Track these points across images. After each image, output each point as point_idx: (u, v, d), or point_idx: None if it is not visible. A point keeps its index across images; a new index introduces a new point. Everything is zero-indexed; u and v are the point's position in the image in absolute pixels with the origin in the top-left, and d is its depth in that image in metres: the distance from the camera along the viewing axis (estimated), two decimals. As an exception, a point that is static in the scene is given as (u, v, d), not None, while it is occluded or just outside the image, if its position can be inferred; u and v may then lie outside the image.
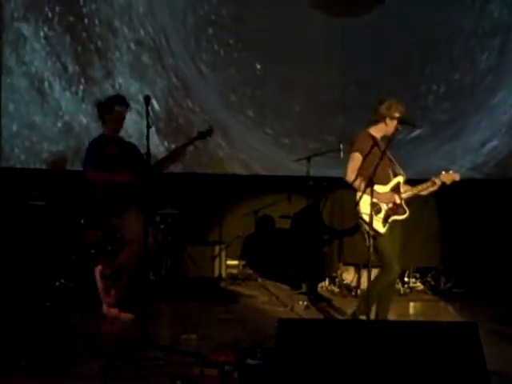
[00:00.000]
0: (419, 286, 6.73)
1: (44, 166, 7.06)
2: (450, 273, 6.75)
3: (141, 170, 5.06)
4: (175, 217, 6.36)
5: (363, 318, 4.78)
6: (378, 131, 4.81)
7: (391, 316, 5.08)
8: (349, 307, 5.94)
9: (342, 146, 5.73)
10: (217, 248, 6.62)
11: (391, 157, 4.82)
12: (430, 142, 7.16)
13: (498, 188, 7.10)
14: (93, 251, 5.79)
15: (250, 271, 7.27)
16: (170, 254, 6.25)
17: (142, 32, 7.24)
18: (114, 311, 5.26)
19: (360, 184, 4.65)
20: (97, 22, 7.20)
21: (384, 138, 4.80)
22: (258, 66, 7.28)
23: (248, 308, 5.87)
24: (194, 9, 7.25)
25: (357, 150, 4.75)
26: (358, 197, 4.63)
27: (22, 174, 6.95)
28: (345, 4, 7.25)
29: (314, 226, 5.39)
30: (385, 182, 4.75)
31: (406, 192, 4.79)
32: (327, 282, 6.66)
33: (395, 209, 4.73)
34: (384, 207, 4.72)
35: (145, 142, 4.44)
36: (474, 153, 7.28)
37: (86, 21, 7.18)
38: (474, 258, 6.79)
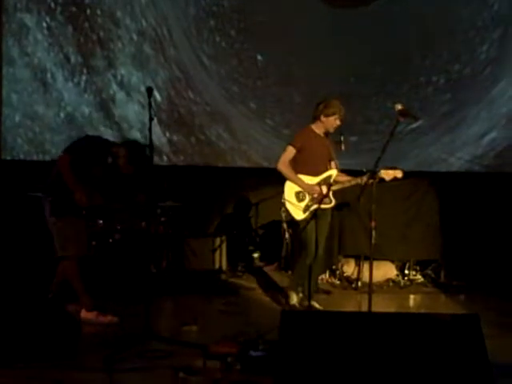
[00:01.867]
0: (419, 278, 6.67)
1: (47, 157, 6.98)
2: (450, 265, 6.68)
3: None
4: (176, 209, 6.27)
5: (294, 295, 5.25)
6: (317, 127, 5.32)
7: (391, 308, 5.07)
8: (349, 299, 5.92)
9: (342, 138, 5.65)
10: (217, 240, 6.53)
11: (330, 152, 5.30)
12: (429, 134, 7.08)
13: (498, 181, 7.00)
14: (94, 243, 5.69)
15: (250, 264, 7.15)
16: (170, 246, 6.17)
17: (144, 23, 7.13)
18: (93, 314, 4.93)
19: (289, 173, 5.23)
20: (99, 12, 7.09)
21: (327, 133, 5.32)
22: (260, 58, 7.19)
23: (249, 300, 5.83)
24: (196, 0, 7.14)
25: (291, 144, 5.29)
26: (286, 185, 5.25)
27: (24, 165, 6.87)
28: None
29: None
30: (315, 174, 5.25)
31: (337, 184, 5.25)
32: (328, 274, 6.57)
33: (319, 199, 5.07)
34: (307, 196, 5.21)
35: (147, 132, 4.39)
36: (473, 144, 7.18)
37: (88, 11, 7.09)
38: (475, 251, 6.70)
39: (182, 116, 7.17)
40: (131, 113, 7.07)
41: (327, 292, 6.08)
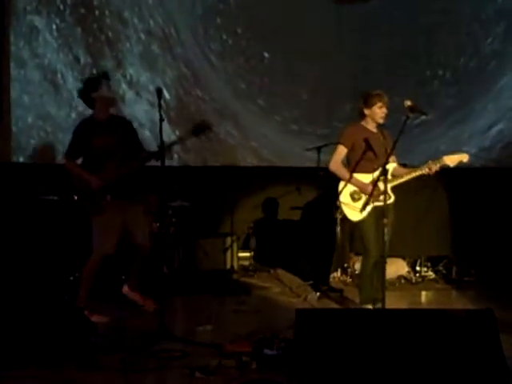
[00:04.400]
0: (431, 274, 6.55)
1: (59, 157, 6.89)
2: (461, 261, 6.56)
3: (128, 160, 4.77)
4: (186, 209, 6.16)
5: (369, 306, 4.85)
6: (366, 123, 4.99)
7: (403, 305, 4.97)
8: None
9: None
10: (228, 240, 6.42)
11: (388, 145, 4.80)
12: (436, 127, 6.97)
13: (509, 176, 6.88)
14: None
15: (261, 263, 7.05)
16: (181, 246, 6.06)
17: (151, 22, 7.04)
18: (137, 295, 5.05)
19: (344, 173, 4.91)
20: (107, 13, 7.00)
21: (377, 126, 4.96)
22: (266, 55, 7.08)
23: (261, 299, 5.72)
24: (202, -1, 7.05)
25: (341, 143, 4.97)
26: (340, 186, 4.91)
27: (35, 169, 6.77)
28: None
29: (325, 217, 5.23)
30: (371, 171, 4.86)
31: (396, 179, 4.84)
32: (339, 272, 6.47)
33: (376, 196, 4.76)
34: (363, 196, 4.85)
35: (156, 131, 4.32)
36: (480, 137, 7.07)
37: (96, 12, 6.99)
38: (486, 247, 6.57)
39: (190, 114, 7.05)
40: (141, 112, 6.96)
41: (339, 290, 5.94)
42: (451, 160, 4.74)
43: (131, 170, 4.80)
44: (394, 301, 5.05)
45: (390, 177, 4.73)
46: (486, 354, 3.39)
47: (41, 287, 5.29)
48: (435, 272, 6.58)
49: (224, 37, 7.07)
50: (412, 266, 6.56)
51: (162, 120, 4.29)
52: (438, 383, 3.30)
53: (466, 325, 3.48)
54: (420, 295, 6.01)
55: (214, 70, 7.12)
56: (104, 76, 4.95)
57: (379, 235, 4.67)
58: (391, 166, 4.82)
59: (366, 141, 4.84)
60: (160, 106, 4.28)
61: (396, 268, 6.40)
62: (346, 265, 6.49)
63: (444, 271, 6.58)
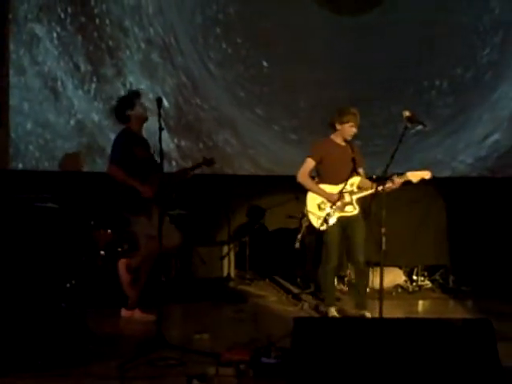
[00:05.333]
0: (428, 284, 6.52)
1: (57, 163, 6.85)
2: (458, 271, 6.51)
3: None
4: (184, 217, 6.11)
5: (333, 309, 5.09)
6: (335, 136, 5.22)
7: (400, 314, 4.96)
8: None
9: None
10: (225, 248, 6.37)
11: (357, 158, 5.13)
12: (433, 136, 6.94)
13: (505, 186, 6.87)
14: (102, 253, 5.55)
15: (258, 272, 7.01)
16: (179, 254, 6.01)
17: (151, 31, 7.01)
18: (137, 313, 5.02)
19: (309, 184, 5.16)
20: (108, 22, 6.96)
21: (346, 140, 5.17)
22: (265, 64, 7.06)
23: (258, 307, 5.67)
24: (202, 8, 7.03)
25: (309, 156, 5.19)
26: (308, 196, 5.18)
27: (33, 176, 6.71)
28: (350, 2, 7.01)
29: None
30: (337, 183, 5.09)
31: (360, 191, 5.07)
32: (336, 281, 6.38)
33: (342, 207, 5.00)
34: (328, 205, 5.06)
35: (154, 139, 4.33)
36: (476, 147, 7.06)
37: (97, 21, 6.95)
38: (483, 256, 6.54)
39: (189, 122, 7.05)
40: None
41: (336, 299, 5.89)
42: (414, 176, 4.93)
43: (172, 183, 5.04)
44: (390, 310, 5.02)
45: (355, 189, 5.02)
46: (484, 364, 3.33)
47: (38, 294, 5.22)
48: (432, 281, 6.54)
49: (223, 46, 7.04)
50: (409, 275, 6.52)
51: (161, 129, 4.27)
52: (435, 393, 3.25)
53: (463, 334, 3.43)
54: (417, 304, 5.96)
55: (213, 78, 7.09)
56: (137, 95, 5.10)
57: (353, 246, 5.07)
58: (356, 180, 5.10)
59: (333, 157, 5.10)
60: (160, 115, 4.24)
61: (393, 277, 6.38)
62: (342, 273, 6.44)
63: (441, 281, 6.54)
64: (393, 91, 6.92)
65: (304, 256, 6.43)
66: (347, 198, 5.05)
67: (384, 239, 4.33)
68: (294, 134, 6.97)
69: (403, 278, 6.47)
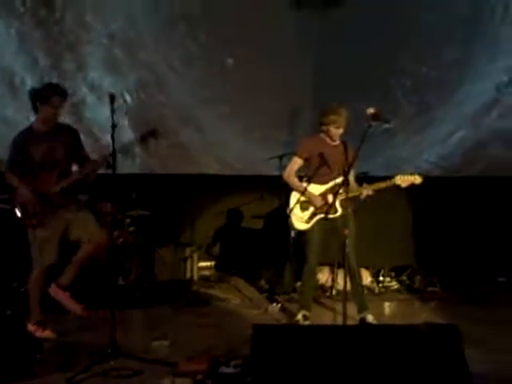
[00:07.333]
0: (394, 284, 6.28)
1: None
2: (424, 271, 6.30)
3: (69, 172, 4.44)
4: (145, 218, 5.78)
5: (305, 312, 4.81)
6: (325, 135, 4.88)
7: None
8: (323, 307, 5.50)
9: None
10: (188, 250, 6.07)
11: (349, 157, 4.66)
12: (398, 135, 6.77)
13: (471, 185, 6.70)
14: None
15: (222, 273, 6.70)
16: (140, 256, 5.67)
17: (113, 26, 6.67)
18: (65, 295, 4.42)
19: (295, 183, 4.85)
20: (68, 16, 6.59)
21: (336, 140, 4.82)
22: (229, 61, 6.79)
23: (221, 311, 5.36)
24: (166, 4, 6.71)
25: (296, 154, 4.91)
26: (291, 195, 4.86)
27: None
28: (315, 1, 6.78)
29: (287, 226, 4.95)
30: (325, 183, 4.80)
31: (348, 192, 4.53)
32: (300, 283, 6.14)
33: (325, 208, 4.66)
34: (311, 206, 4.78)
35: (117, 135, 4.08)
36: (440, 144, 6.90)
37: (57, 15, 6.59)
38: (449, 257, 6.35)
39: (152, 118, 6.69)
40: (102, 116, 6.55)
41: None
42: (403, 181, 4.62)
43: (70, 185, 4.43)
44: (356, 311, 4.77)
45: (341, 190, 4.62)
46: (451, 370, 3.15)
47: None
48: (399, 282, 6.33)
49: (187, 43, 6.75)
50: (375, 276, 6.29)
51: (114, 126, 3.95)
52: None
53: (429, 340, 3.25)
54: (383, 306, 5.72)
55: (176, 75, 6.81)
56: (54, 89, 4.48)
57: (345, 248, 4.51)
58: (340, 181, 4.66)
59: (321, 155, 4.74)
60: (113, 111, 3.93)
61: (359, 278, 6.10)
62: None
63: (407, 281, 6.33)
64: (358, 89, 6.68)
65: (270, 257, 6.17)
66: (330, 199, 4.71)
67: (347, 241, 4.07)
68: (258, 131, 6.72)
69: (369, 278, 6.22)
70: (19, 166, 4.43)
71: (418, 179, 4.60)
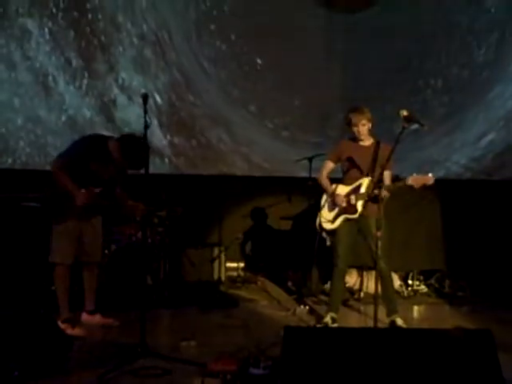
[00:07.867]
0: (423, 288, 6.18)
1: (49, 159, 6.50)
2: (454, 275, 6.18)
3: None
4: (174, 218, 5.73)
5: (333, 314, 4.75)
6: (355, 136, 4.82)
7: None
8: (351, 310, 5.43)
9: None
10: (216, 250, 6.00)
11: (383, 157, 4.51)
12: (428, 136, 6.58)
13: (502, 189, 6.55)
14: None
15: (250, 274, 6.64)
16: (168, 257, 5.63)
17: (144, 27, 6.70)
18: (96, 318, 4.68)
19: (325, 185, 4.89)
20: (100, 17, 6.64)
21: (365, 140, 4.78)
22: (259, 61, 6.75)
23: (249, 312, 5.29)
24: (196, 4, 6.72)
25: (328, 157, 4.94)
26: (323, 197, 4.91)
27: (20, 174, 6.38)
28: (346, 1, 6.73)
29: (315, 228, 4.90)
30: (351, 183, 4.78)
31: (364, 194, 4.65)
32: (329, 285, 6.06)
33: (347, 208, 4.68)
34: (337, 207, 4.76)
35: (148, 135, 3.99)
36: (471, 146, 6.78)
37: (89, 16, 6.63)
38: (479, 261, 6.21)
39: (182, 119, 6.76)
40: (133, 116, 6.60)
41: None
42: (416, 181, 4.42)
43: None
44: (385, 315, 4.69)
45: (363, 191, 4.63)
46: (485, 377, 3.06)
47: (16, 299, 4.87)
48: (427, 286, 6.23)
49: (217, 43, 6.74)
50: (404, 280, 6.18)
51: (147, 127, 3.92)
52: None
53: (464, 345, 3.14)
54: (412, 309, 5.61)
55: (206, 75, 6.80)
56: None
57: (351, 247, 4.75)
58: (364, 181, 4.68)
59: (350, 158, 4.77)
60: (146, 111, 3.91)
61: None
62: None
63: (436, 285, 6.22)
64: (387, 90, 6.63)
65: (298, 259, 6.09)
66: (352, 200, 4.68)
67: (379, 243, 3.99)
68: (286, 131, 6.69)
69: (398, 282, 6.11)
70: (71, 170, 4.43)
71: (430, 180, 4.39)
